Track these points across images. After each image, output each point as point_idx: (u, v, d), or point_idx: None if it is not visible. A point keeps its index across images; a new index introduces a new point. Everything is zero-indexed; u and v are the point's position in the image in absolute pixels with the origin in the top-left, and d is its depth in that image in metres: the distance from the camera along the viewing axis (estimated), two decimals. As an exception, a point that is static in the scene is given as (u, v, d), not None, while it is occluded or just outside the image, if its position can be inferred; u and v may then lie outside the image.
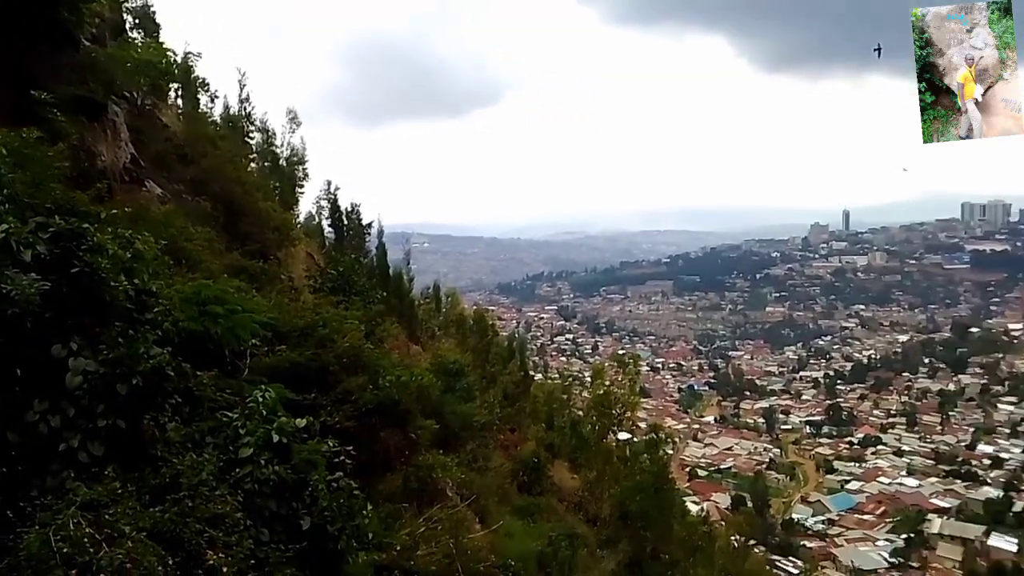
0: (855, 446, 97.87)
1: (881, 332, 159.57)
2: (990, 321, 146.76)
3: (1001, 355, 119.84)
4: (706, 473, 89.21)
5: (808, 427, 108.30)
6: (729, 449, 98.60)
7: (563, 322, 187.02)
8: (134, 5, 18.74)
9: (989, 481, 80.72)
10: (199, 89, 19.80)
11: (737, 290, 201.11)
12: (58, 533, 4.79)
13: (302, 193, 24.85)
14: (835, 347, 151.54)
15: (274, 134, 23.72)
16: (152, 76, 15.10)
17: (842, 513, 76.67)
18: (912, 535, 68.04)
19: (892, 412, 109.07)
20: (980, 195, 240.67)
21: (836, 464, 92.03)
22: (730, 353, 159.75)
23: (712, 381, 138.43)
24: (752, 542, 39.05)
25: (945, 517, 71.55)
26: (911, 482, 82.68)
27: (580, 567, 16.26)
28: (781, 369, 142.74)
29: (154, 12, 19.90)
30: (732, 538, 31.14)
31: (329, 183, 25.86)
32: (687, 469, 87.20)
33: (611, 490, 23.18)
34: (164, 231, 10.38)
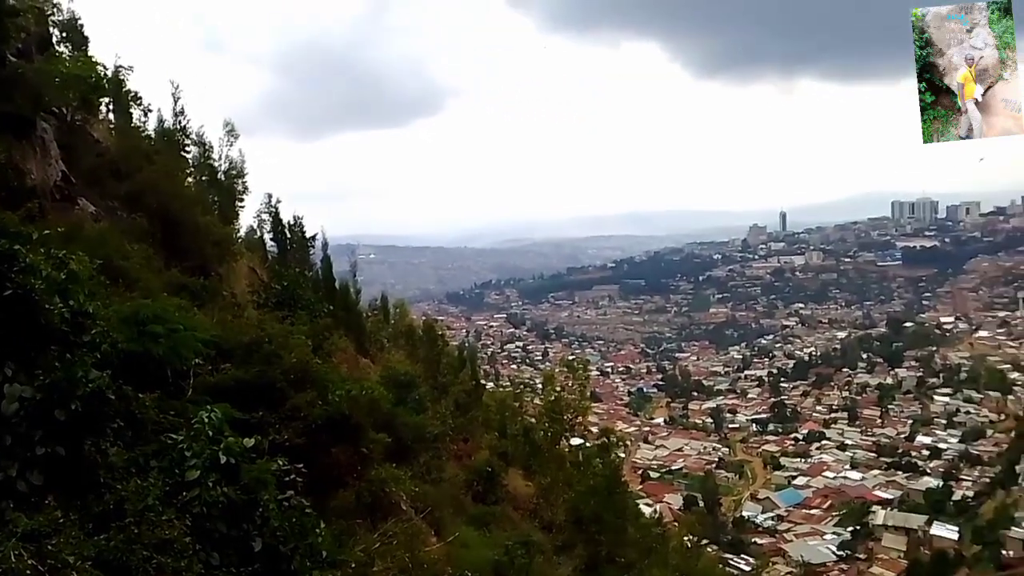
0: (800, 442, 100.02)
1: (820, 329, 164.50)
2: (923, 315, 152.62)
3: (935, 348, 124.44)
4: (658, 475, 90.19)
5: (754, 425, 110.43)
6: (679, 450, 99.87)
7: (512, 329, 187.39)
8: (61, 18, 18.12)
9: (929, 471, 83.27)
10: (131, 103, 19.25)
11: (681, 292, 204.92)
12: (-2, 566, 4.61)
13: (242, 207, 24.38)
14: (777, 345, 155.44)
15: (211, 147, 23.21)
16: (82, 90, 14.64)
17: (790, 509, 78.17)
18: (858, 527, 69.76)
19: (834, 407, 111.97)
20: (909, 193, 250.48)
21: (783, 460, 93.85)
22: (677, 355, 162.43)
23: (660, 383, 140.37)
24: (704, 541, 39.76)
25: (888, 508, 73.40)
26: (855, 475, 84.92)
27: (536, 574, 16.29)
28: (726, 369, 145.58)
29: (82, 25, 19.29)
30: (685, 538, 31.61)
31: (270, 196, 25.49)
32: (639, 471, 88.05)
33: (565, 495, 23.28)
34: (99, 249, 10.09)
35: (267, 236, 25.37)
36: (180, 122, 21.47)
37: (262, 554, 6.53)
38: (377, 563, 9.45)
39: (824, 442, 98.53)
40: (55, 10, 17.68)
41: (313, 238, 26.15)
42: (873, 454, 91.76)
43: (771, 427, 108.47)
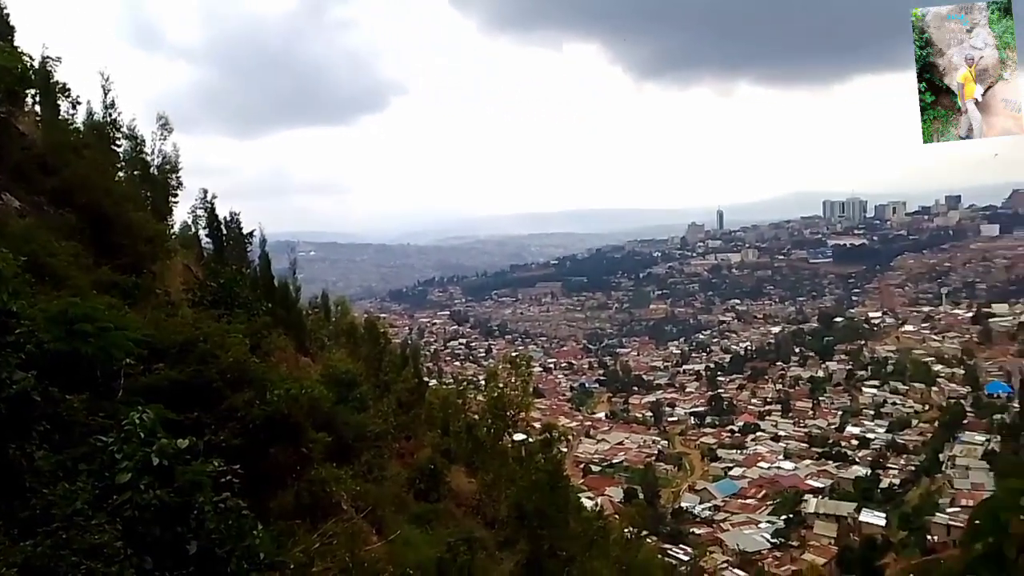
0: (736, 434, 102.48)
1: (755, 324, 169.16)
2: (852, 311, 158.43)
3: (863, 342, 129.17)
4: (599, 468, 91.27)
5: (692, 418, 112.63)
6: (620, 443, 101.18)
7: (456, 327, 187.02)
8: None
9: (857, 460, 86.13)
10: (59, 95, 18.45)
11: (622, 289, 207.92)
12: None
13: (176, 203, 23.55)
14: (714, 340, 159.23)
15: (143, 141, 22.38)
16: (6, 82, 14.02)
17: (727, 499, 79.93)
18: (791, 515, 71.69)
19: (768, 400, 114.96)
20: (839, 193, 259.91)
21: (719, 452, 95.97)
22: (618, 350, 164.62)
23: (602, 378, 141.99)
24: (644, 533, 40.36)
25: (820, 497, 75.55)
26: (788, 465, 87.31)
27: (479, 570, 16.37)
28: (666, 363, 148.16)
29: (7, 15, 18.40)
30: (626, 530, 32.13)
31: (205, 191, 24.74)
32: (581, 466, 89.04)
33: (507, 491, 23.37)
34: (24, 247, 9.72)
35: (203, 233, 24.67)
36: (110, 115, 20.61)
37: (197, 557, 6.42)
38: (317, 563, 9.39)
39: (759, 434, 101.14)
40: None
41: (251, 235, 25.53)
42: (805, 445, 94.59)
43: (709, 420, 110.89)
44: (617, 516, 44.62)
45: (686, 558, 56.52)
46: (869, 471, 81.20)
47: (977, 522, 1.67)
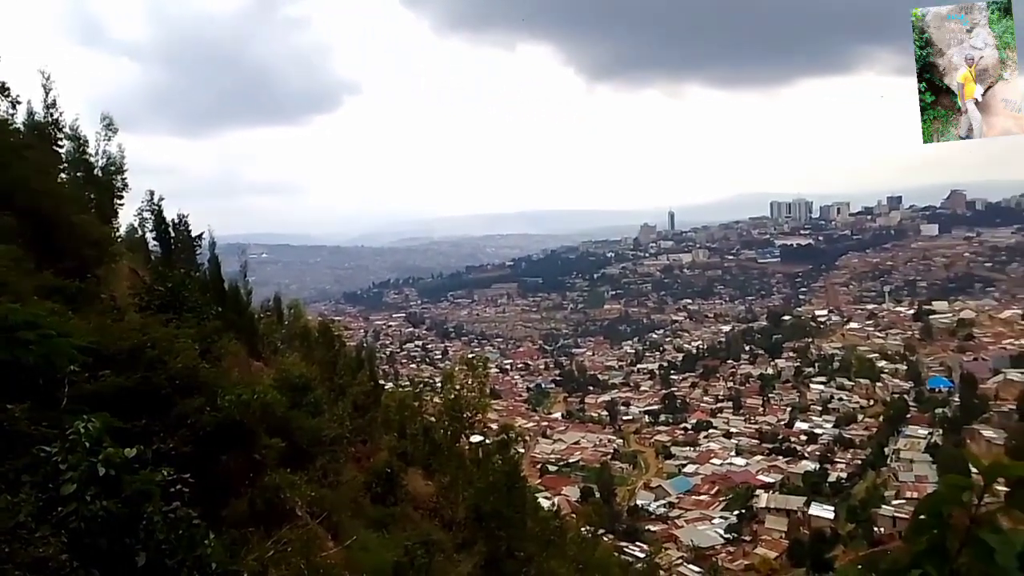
0: (689, 431, 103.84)
1: (707, 323, 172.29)
2: (799, 309, 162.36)
3: (811, 339, 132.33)
4: (556, 468, 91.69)
5: (647, 416, 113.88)
6: (576, 443, 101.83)
7: (412, 329, 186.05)
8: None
9: (806, 455, 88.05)
10: (-3, 94, 17.77)
11: (577, 290, 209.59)
12: None
13: (122, 205, 22.90)
14: (667, 339, 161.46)
15: (87, 141, 21.71)
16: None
17: (681, 496, 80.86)
18: (743, 510, 72.79)
19: (720, 397, 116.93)
20: (786, 194, 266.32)
21: (673, 449, 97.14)
22: (573, 350, 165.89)
23: (558, 378, 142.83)
24: (601, 531, 40.75)
25: (770, 491, 76.97)
26: (740, 461, 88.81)
27: (437, 573, 16.31)
28: (620, 363, 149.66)
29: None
30: (582, 529, 32.42)
31: (152, 193, 24.11)
32: (538, 466, 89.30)
33: (465, 493, 23.37)
34: (-41, 251, 9.34)
35: (150, 235, 24.04)
36: (52, 115, 19.95)
37: (147, 568, 6.26)
38: (271, 571, 9.24)
39: (711, 431, 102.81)
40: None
41: (200, 237, 24.99)
42: (756, 441, 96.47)
43: (662, 418, 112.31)
44: (574, 515, 45.02)
45: (642, 555, 57.10)
46: (817, 465, 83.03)
47: (920, 517, 1.72)
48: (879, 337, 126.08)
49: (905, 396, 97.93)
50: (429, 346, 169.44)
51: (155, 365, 10.47)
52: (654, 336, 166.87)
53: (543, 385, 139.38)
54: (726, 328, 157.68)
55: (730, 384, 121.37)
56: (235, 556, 8.61)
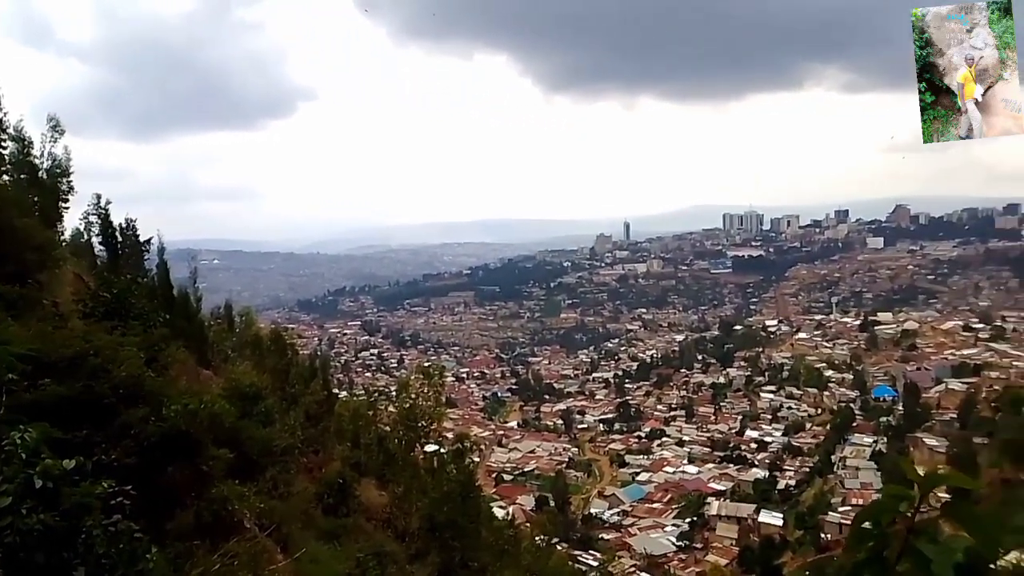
0: (643, 440, 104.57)
1: (661, 333, 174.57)
2: (750, 319, 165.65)
3: (761, 349, 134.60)
4: (511, 477, 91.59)
5: (602, 425, 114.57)
6: (532, 452, 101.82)
7: (367, 337, 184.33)
8: None
9: (756, 463, 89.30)
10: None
11: (534, 299, 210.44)
12: None
13: (67, 208, 22.20)
14: (622, 348, 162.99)
15: (31, 143, 21.00)
16: None
17: (634, 504, 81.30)
18: (695, 518, 73.46)
19: (673, 406, 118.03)
20: (737, 206, 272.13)
21: (627, 458, 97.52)
22: (530, 359, 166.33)
23: (514, 387, 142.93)
24: (555, 540, 40.84)
25: (722, 499, 77.73)
26: (692, 469, 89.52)
27: (389, 584, 16.12)
28: (576, 372, 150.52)
29: None
30: (537, 538, 32.37)
31: (99, 197, 23.42)
32: (493, 475, 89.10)
33: (419, 503, 23.17)
34: None
35: (96, 240, 23.33)
36: (-7, 115, 19.26)
37: (86, 584, 6.05)
38: (218, 585, 9.02)
39: (664, 439, 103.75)
40: None
41: (148, 242, 24.35)
42: (708, 449, 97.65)
43: (617, 426, 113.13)
44: (528, 524, 44.93)
45: (595, 564, 57.29)
46: (767, 473, 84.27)
47: (860, 526, 1.75)
48: (826, 347, 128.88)
49: (851, 405, 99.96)
50: (385, 355, 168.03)
51: (98, 374, 10.17)
52: (609, 345, 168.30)
53: (499, 394, 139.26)
54: (679, 337, 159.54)
55: (683, 393, 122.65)
56: (179, 570, 8.39)
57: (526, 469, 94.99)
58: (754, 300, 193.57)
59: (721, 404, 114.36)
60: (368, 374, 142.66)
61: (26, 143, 20.76)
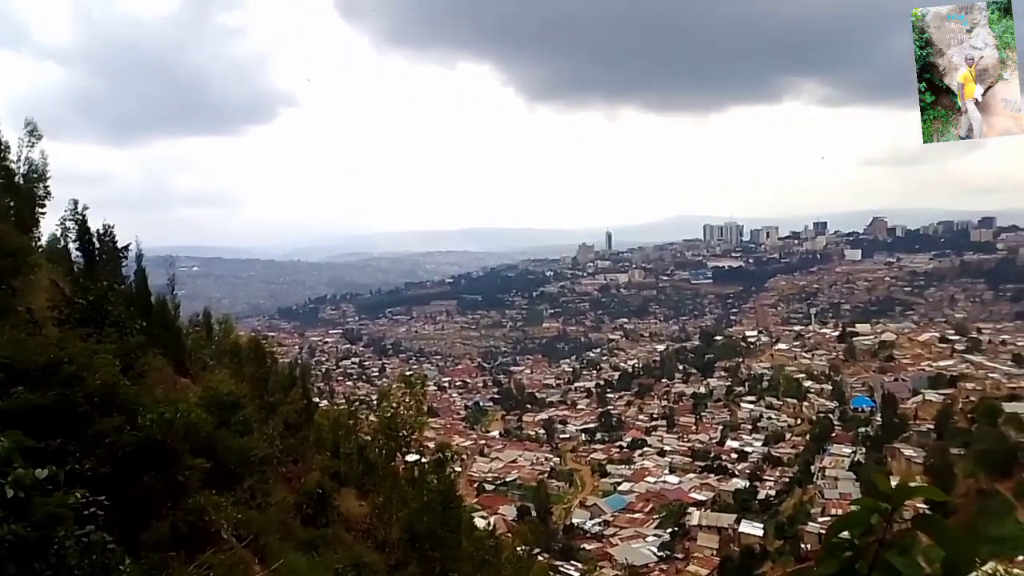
0: (624, 449, 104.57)
1: (642, 343, 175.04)
2: (730, 329, 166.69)
3: (741, 359, 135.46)
4: (493, 487, 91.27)
5: (583, 434, 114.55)
6: (514, 461, 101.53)
7: (349, 345, 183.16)
8: None
9: (737, 473, 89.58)
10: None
11: (516, 308, 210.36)
12: None
13: (43, 214, 21.93)
14: (604, 358, 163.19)
15: (7, 147, 20.74)
16: None
17: (616, 513, 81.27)
18: (676, 528, 73.64)
19: (654, 415, 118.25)
20: (718, 217, 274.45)
21: (609, 468, 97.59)
22: (512, 368, 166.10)
23: (496, 396, 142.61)
24: (537, 550, 40.70)
25: (702, 509, 77.94)
26: (673, 479, 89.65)
27: (368, 596, 15.97)
28: (558, 381, 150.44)
29: None
30: (518, 548, 32.26)
31: (76, 202, 23.12)
32: (475, 484, 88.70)
33: (399, 513, 23.01)
34: None
35: (72, 246, 23.02)
36: (-33, 118, 19.02)
37: (57, 597, 5.95)
38: (193, 597, 8.89)
39: (646, 449, 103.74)
40: None
41: (126, 248, 24.06)
42: (689, 458, 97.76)
43: (599, 436, 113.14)
44: (510, 534, 44.75)
45: (576, 574, 57.20)
46: (747, 483, 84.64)
47: (833, 539, 1.76)
48: (805, 357, 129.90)
49: (830, 415, 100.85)
50: (366, 363, 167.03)
51: (72, 381, 10.03)
52: (591, 355, 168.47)
53: (481, 403, 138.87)
54: (660, 347, 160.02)
55: (664, 403, 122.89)
56: (154, 582, 8.25)
57: (508, 479, 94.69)
58: (734, 311, 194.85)
59: (702, 414, 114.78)
60: (349, 383, 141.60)
61: (2, 147, 20.50)
